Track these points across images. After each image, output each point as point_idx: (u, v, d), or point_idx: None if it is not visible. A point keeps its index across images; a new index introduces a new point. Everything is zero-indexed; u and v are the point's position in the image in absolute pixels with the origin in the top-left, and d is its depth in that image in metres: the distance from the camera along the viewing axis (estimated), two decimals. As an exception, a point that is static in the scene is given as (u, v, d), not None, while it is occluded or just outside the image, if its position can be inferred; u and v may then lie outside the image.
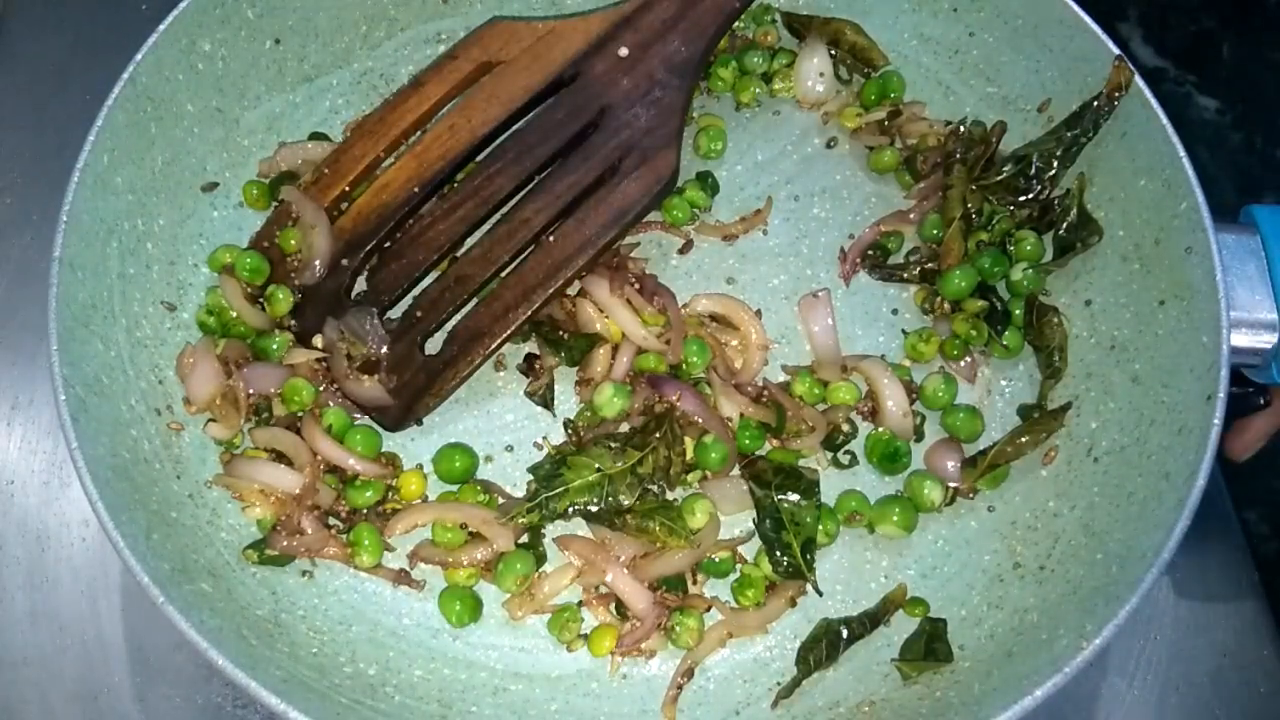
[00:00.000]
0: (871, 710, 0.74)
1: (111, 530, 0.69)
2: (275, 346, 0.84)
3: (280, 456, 0.81)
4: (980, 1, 0.93)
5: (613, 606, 0.78)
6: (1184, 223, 0.80)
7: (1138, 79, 0.84)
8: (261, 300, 0.86)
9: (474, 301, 0.85)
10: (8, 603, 0.86)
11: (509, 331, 0.83)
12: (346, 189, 0.88)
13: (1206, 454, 0.72)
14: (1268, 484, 0.95)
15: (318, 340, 0.84)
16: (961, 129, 0.93)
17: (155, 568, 0.69)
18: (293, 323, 0.86)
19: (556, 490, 0.78)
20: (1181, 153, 0.81)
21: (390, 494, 0.82)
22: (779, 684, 0.76)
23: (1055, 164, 0.89)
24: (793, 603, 0.79)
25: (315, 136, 0.94)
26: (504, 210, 0.87)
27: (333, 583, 0.79)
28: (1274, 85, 1.12)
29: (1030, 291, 0.88)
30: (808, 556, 0.78)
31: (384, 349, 0.83)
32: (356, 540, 0.78)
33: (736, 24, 1.00)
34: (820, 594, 0.79)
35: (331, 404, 0.83)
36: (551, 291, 0.83)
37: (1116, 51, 0.85)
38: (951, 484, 0.83)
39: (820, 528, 0.79)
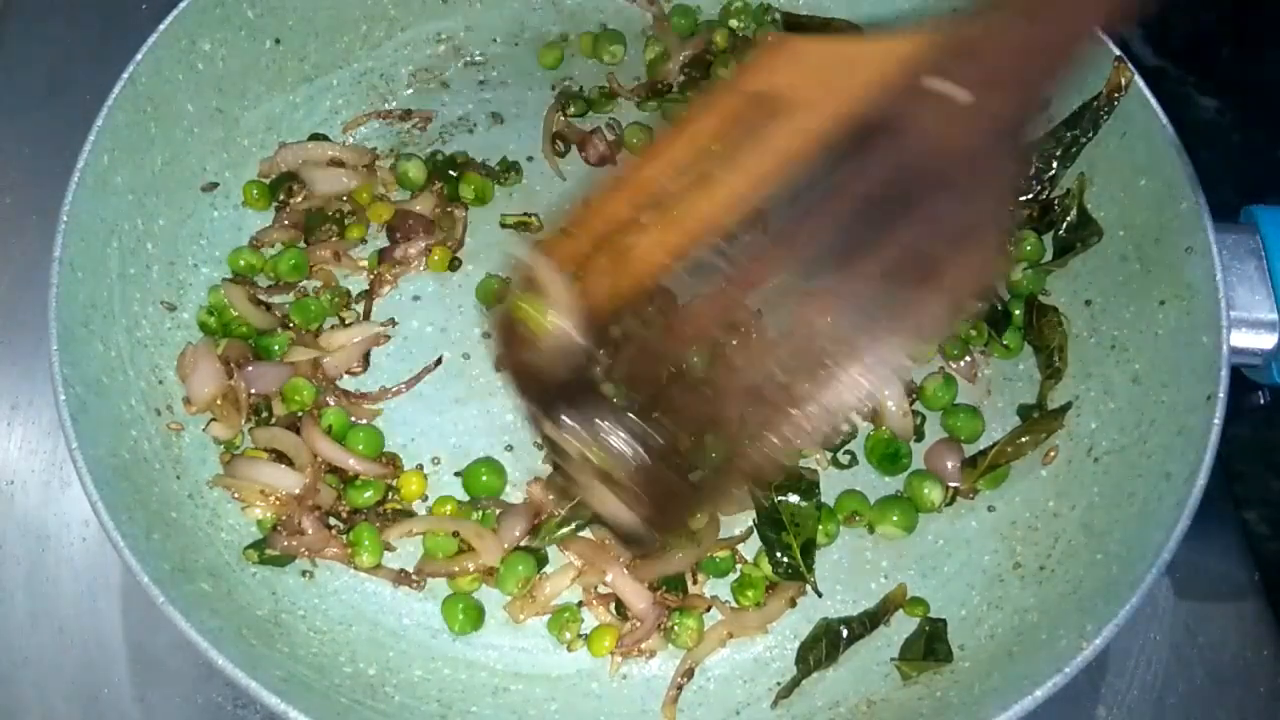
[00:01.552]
0: (871, 710, 0.74)
1: (111, 530, 0.69)
2: (276, 346, 0.84)
3: (281, 456, 0.81)
4: (980, 2, 0.93)
5: (612, 606, 0.78)
6: (1184, 223, 0.80)
7: (1137, 79, 0.84)
8: (265, 302, 0.87)
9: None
10: (8, 603, 0.85)
11: (779, 457, 0.65)
12: (595, 254, 0.72)
13: (1206, 454, 0.71)
14: (1268, 484, 0.95)
15: (557, 434, 0.71)
16: (962, 129, 0.93)
17: (155, 568, 0.69)
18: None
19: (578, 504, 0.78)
20: (1181, 153, 0.81)
21: (390, 494, 0.82)
22: (779, 684, 0.76)
23: (1055, 164, 0.89)
24: (793, 603, 0.79)
25: (315, 137, 0.94)
26: (784, 303, 0.68)
27: (333, 583, 0.79)
28: (1274, 85, 1.12)
29: (1030, 291, 0.88)
30: (807, 557, 0.78)
31: (635, 463, 0.69)
32: (356, 540, 0.78)
33: (736, 24, 1.00)
34: (820, 594, 0.79)
35: (331, 402, 0.83)
36: (838, 416, 0.64)
37: (1116, 52, 0.85)
38: (951, 484, 0.83)
39: (820, 528, 0.79)
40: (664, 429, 0.68)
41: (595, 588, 0.79)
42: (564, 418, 0.69)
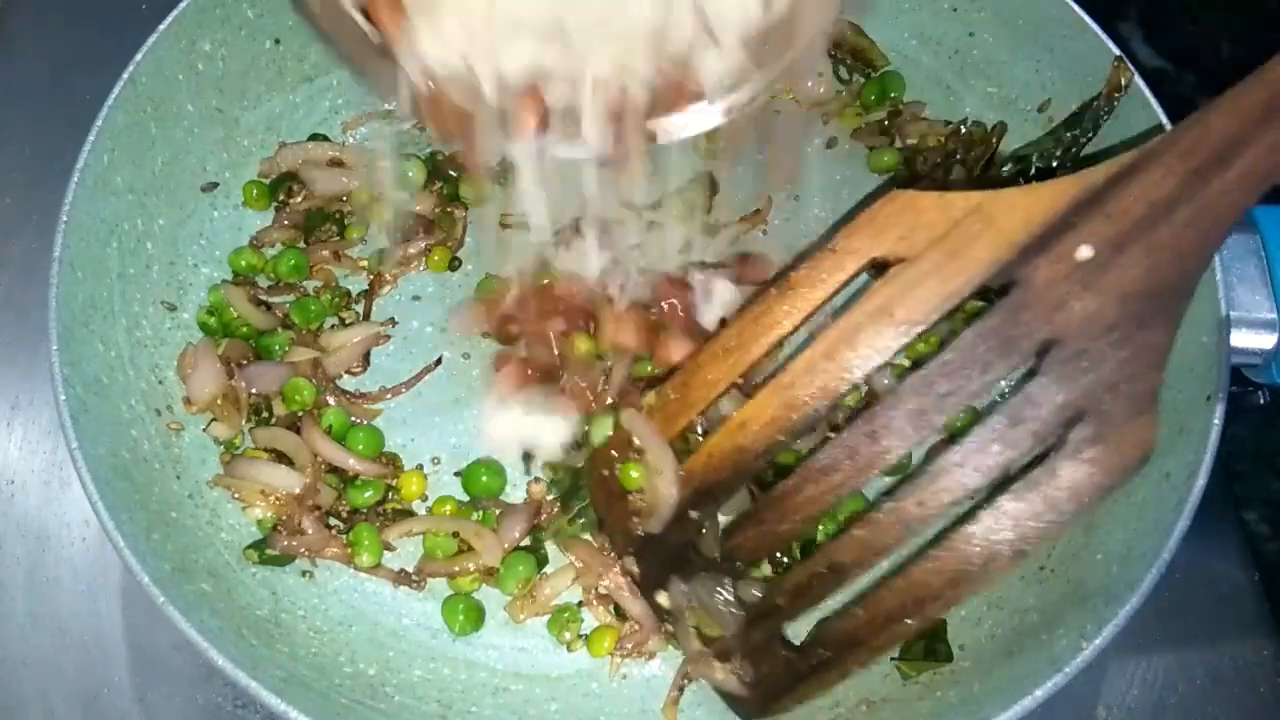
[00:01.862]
0: (871, 710, 0.74)
1: (111, 530, 0.69)
2: (276, 346, 0.84)
3: (281, 456, 0.81)
4: (980, 1, 0.93)
5: (612, 607, 0.78)
6: (1184, 223, 0.80)
7: (1137, 79, 0.84)
8: (265, 302, 0.87)
9: (848, 594, 0.68)
10: (8, 603, 0.86)
11: (892, 645, 0.65)
12: (697, 420, 0.72)
13: (1206, 454, 0.71)
14: (1268, 484, 0.95)
15: (662, 598, 0.72)
16: (962, 130, 0.93)
17: (155, 568, 0.69)
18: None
19: (585, 502, 0.79)
20: (1182, 153, 0.81)
21: (390, 494, 0.82)
22: (779, 684, 0.76)
23: (1055, 165, 0.89)
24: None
25: (315, 137, 0.94)
26: (899, 481, 0.66)
27: (333, 583, 0.79)
28: (1274, 85, 1.11)
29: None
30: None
31: (740, 632, 0.69)
32: (356, 540, 0.78)
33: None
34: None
35: (332, 402, 0.83)
36: (952, 606, 0.63)
37: (1116, 52, 0.85)
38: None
39: (820, 529, 0.79)
40: (773, 602, 0.68)
41: (595, 588, 0.79)
42: (677, 589, 0.69)
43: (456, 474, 0.83)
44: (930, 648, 0.76)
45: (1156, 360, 0.60)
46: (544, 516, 0.81)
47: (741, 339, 0.70)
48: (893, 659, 0.76)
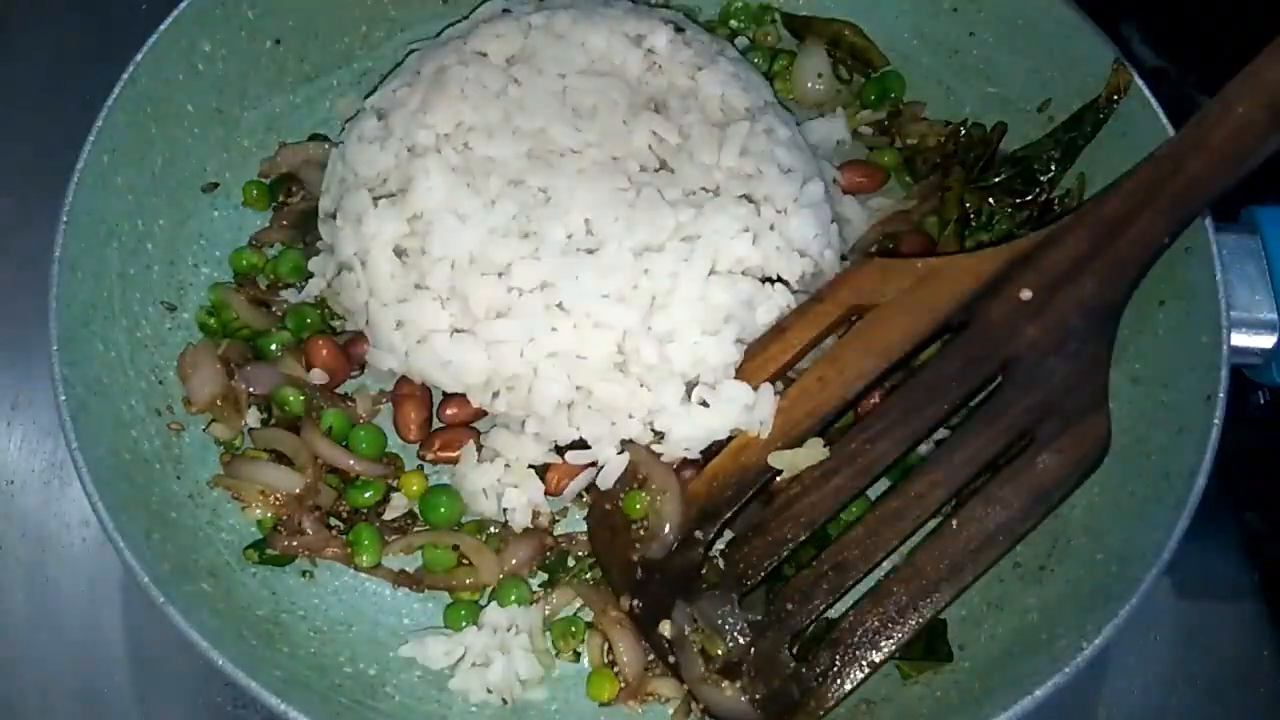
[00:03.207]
0: (871, 710, 0.74)
1: (111, 530, 0.69)
2: (275, 347, 0.84)
3: (281, 457, 0.81)
4: (980, 1, 0.93)
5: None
6: (1184, 223, 0.80)
7: (1137, 79, 0.84)
8: (265, 303, 0.87)
9: (854, 596, 0.73)
10: (8, 603, 0.86)
11: (902, 640, 0.71)
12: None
13: (1206, 454, 0.71)
14: (1268, 484, 0.95)
15: (665, 627, 0.73)
16: (961, 131, 0.93)
17: (155, 568, 0.69)
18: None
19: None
20: (1182, 153, 0.81)
21: (391, 494, 0.82)
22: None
23: (1054, 167, 0.89)
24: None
25: (315, 137, 0.94)
26: (887, 482, 0.76)
27: (333, 583, 0.79)
28: (1274, 86, 1.11)
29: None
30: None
31: (746, 647, 0.71)
32: (356, 540, 0.78)
33: (736, 24, 1.00)
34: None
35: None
36: (955, 594, 0.71)
37: (1116, 53, 0.85)
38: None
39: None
40: (779, 610, 0.72)
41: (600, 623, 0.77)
42: (682, 612, 0.72)
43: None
44: (930, 648, 0.76)
45: (1099, 368, 0.74)
46: (548, 552, 0.80)
47: (741, 374, 0.77)
48: (893, 658, 0.76)
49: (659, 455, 0.77)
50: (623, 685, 0.75)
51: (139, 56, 0.83)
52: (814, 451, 0.74)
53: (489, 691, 0.74)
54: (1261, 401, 0.94)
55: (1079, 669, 0.67)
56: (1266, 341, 0.81)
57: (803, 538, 0.73)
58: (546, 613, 0.78)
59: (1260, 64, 0.71)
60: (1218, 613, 0.89)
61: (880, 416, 0.75)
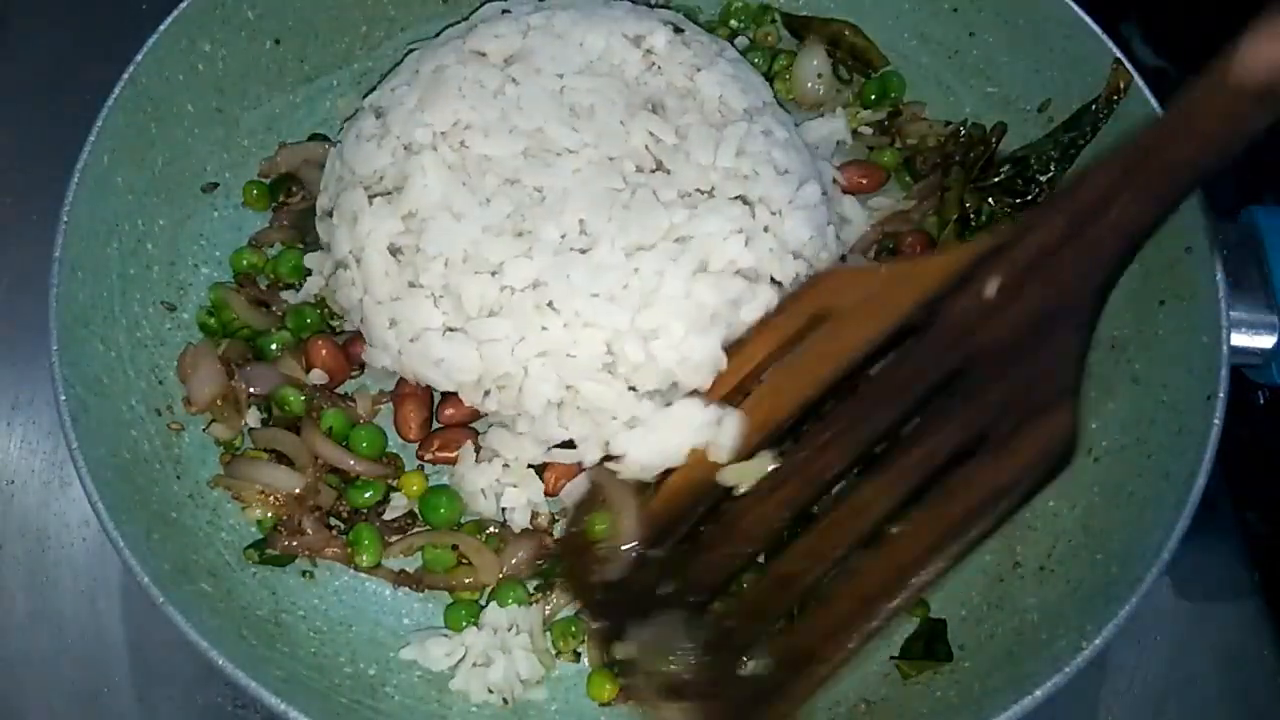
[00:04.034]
0: (871, 710, 0.74)
1: (111, 530, 0.69)
2: (275, 347, 0.84)
3: (281, 457, 0.81)
4: (980, 1, 0.93)
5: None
6: (1183, 223, 0.80)
7: (1137, 79, 0.84)
8: (265, 303, 0.87)
9: (801, 610, 0.71)
10: (8, 603, 0.86)
11: (850, 654, 0.66)
12: None
13: (1206, 454, 0.71)
14: (1268, 484, 0.95)
15: (620, 649, 0.72)
16: (961, 131, 0.93)
17: (155, 568, 0.69)
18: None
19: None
20: (1181, 153, 0.81)
21: (391, 494, 0.82)
22: (779, 684, 0.76)
23: (1054, 167, 0.89)
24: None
25: (315, 137, 0.94)
26: (838, 492, 0.73)
27: (333, 583, 0.79)
28: (1274, 86, 1.11)
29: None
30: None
31: (697, 667, 0.69)
32: (356, 540, 0.78)
33: (736, 24, 1.00)
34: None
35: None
36: (904, 602, 0.66)
37: (1117, 53, 0.85)
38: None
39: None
40: (725, 628, 0.70)
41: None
42: (634, 631, 0.70)
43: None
44: (930, 647, 0.76)
45: (1069, 360, 0.67)
46: (547, 554, 0.79)
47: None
48: (893, 658, 0.76)
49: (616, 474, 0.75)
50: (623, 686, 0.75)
51: (139, 56, 0.83)
52: (763, 464, 0.73)
53: (490, 691, 0.74)
54: (1261, 401, 0.94)
55: (1079, 669, 0.67)
56: (1266, 341, 0.81)
57: (749, 551, 0.72)
58: (547, 613, 0.78)
59: (1244, 43, 0.65)
60: (1218, 613, 0.89)
61: (829, 424, 0.73)
